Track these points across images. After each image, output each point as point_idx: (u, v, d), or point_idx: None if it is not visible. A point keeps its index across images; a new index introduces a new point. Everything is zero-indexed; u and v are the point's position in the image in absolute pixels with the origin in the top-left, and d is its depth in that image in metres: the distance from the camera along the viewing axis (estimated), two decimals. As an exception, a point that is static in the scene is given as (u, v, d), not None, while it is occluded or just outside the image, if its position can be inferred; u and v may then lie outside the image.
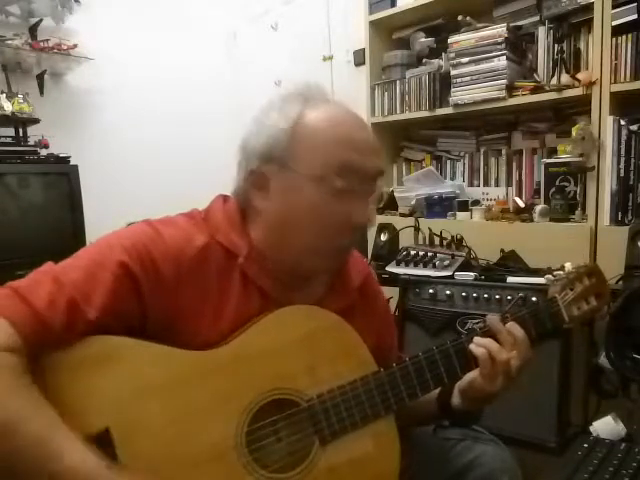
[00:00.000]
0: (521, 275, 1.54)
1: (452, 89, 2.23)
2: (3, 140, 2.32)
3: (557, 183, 1.98)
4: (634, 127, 1.75)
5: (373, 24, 2.55)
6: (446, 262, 1.67)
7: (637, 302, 1.29)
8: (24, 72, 2.61)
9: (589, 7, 1.84)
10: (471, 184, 2.40)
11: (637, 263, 1.47)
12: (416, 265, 1.72)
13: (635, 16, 1.73)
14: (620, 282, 1.46)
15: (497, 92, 2.09)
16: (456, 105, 2.23)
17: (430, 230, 1.89)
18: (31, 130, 2.43)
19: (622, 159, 1.77)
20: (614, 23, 1.77)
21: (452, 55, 2.22)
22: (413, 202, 2.34)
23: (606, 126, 1.79)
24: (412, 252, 1.78)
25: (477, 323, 1.45)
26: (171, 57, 3.15)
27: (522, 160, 2.23)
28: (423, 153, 2.60)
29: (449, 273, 1.62)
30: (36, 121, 2.44)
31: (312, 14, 2.99)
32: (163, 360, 0.75)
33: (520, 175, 2.24)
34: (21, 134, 2.40)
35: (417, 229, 1.97)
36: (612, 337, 1.30)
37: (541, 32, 2.07)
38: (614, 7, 1.76)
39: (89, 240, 2.31)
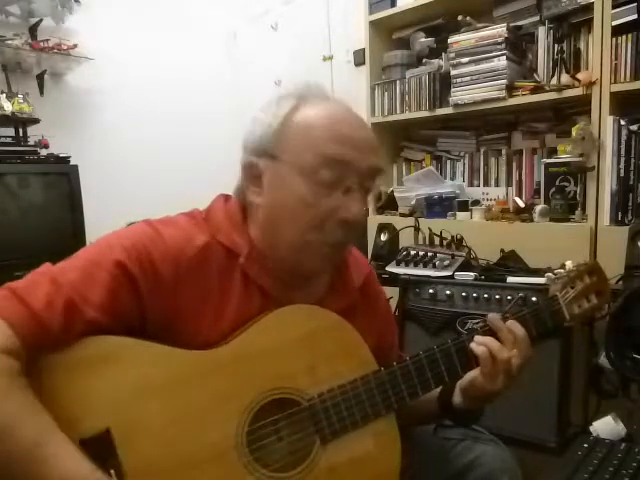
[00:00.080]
0: (521, 275, 1.54)
1: (452, 89, 2.23)
2: (3, 140, 2.32)
3: (557, 183, 1.98)
4: (634, 127, 1.75)
5: (373, 24, 2.55)
6: (446, 262, 1.67)
7: (637, 302, 1.29)
8: (24, 72, 2.61)
9: (589, 7, 1.84)
10: (471, 184, 2.40)
11: (637, 263, 1.47)
12: (416, 265, 1.72)
13: (635, 16, 1.73)
14: (620, 282, 1.46)
15: (497, 92, 2.09)
16: (456, 105, 2.22)
17: (430, 230, 1.89)
18: (31, 130, 2.43)
19: (622, 159, 1.77)
20: (614, 23, 1.77)
21: (452, 55, 2.22)
22: (413, 202, 2.34)
23: (606, 126, 1.79)
24: (412, 252, 1.78)
25: (477, 323, 1.45)
26: (171, 57, 3.14)
27: (522, 160, 2.23)
28: (423, 153, 2.60)
29: (449, 273, 1.62)
30: (36, 121, 2.43)
31: (312, 14, 2.99)
32: (163, 360, 0.75)
33: (520, 175, 2.24)
34: (21, 134, 2.39)
35: (417, 229, 1.97)
36: (612, 337, 1.30)
37: (541, 32, 2.07)
38: (614, 7, 1.76)
39: (89, 240, 2.30)
